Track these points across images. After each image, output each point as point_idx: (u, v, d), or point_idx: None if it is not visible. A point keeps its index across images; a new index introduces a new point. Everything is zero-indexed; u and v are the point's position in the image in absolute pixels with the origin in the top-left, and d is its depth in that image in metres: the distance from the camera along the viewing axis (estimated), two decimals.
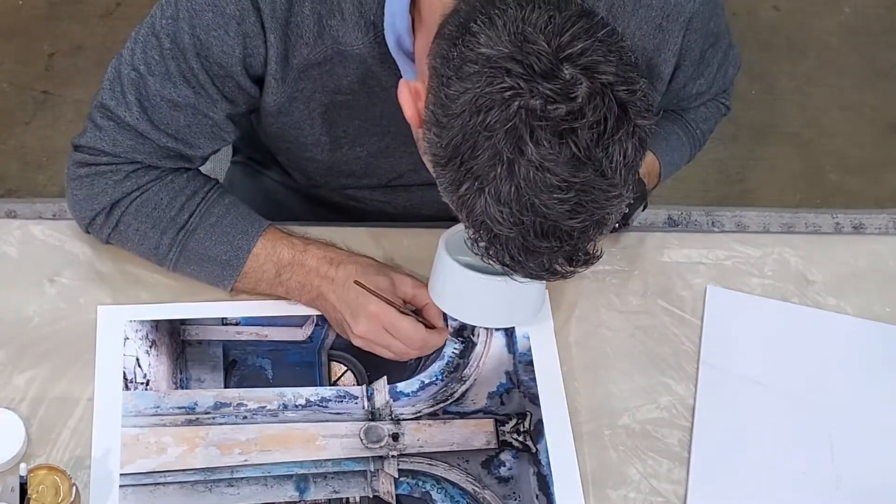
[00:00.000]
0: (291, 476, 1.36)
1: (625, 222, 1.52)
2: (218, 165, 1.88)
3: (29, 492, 1.25)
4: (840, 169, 2.76)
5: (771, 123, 2.76)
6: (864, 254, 1.58)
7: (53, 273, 1.47)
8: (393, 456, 1.38)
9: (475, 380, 1.44)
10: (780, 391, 1.45)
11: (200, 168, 1.47)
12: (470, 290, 1.34)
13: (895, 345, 1.49)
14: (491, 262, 1.15)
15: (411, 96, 1.19)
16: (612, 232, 1.52)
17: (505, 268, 1.15)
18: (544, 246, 1.10)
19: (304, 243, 1.43)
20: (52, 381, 1.39)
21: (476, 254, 1.16)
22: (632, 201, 1.47)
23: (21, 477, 1.25)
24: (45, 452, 1.34)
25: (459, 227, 1.38)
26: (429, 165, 1.17)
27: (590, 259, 1.15)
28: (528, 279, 1.17)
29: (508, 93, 1.06)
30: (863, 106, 2.85)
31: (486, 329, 1.47)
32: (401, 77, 1.30)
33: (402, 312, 1.39)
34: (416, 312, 1.42)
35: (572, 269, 1.15)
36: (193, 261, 1.42)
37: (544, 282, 1.37)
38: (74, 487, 1.26)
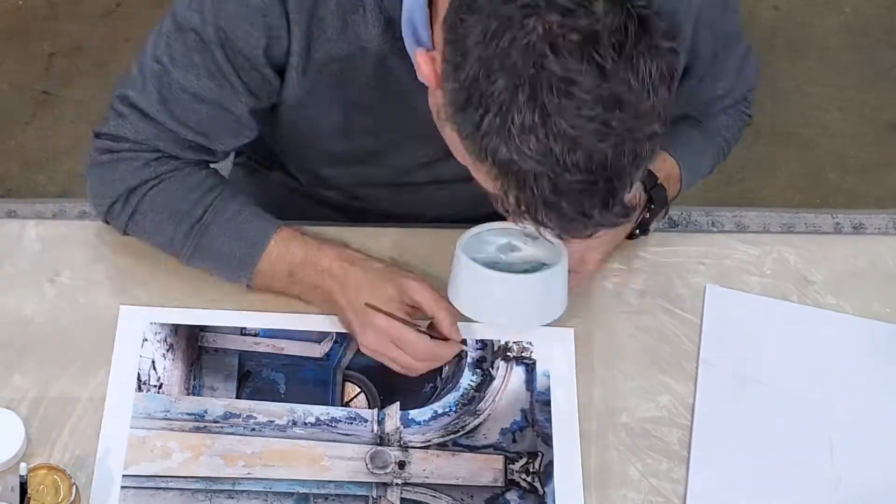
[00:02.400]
0: (293, 494, 1.35)
1: (644, 229, 1.50)
2: (221, 166, 1.88)
3: (29, 491, 1.25)
4: (840, 169, 2.76)
5: (771, 123, 2.76)
6: (863, 254, 1.58)
7: (53, 273, 1.47)
8: (397, 484, 1.36)
9: (489, 414, 1.42)
10: (779, 390, 1.45)
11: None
12: (488, 290, 1.33)
13: (894, 344, 1.49)
14: (523, 219, 1.10)
15: (429, 59, 1.16)
16: (631, 238, 1.52)
17: (537, 224, 1.10)
18: (577, 181, 1.05)
19: (317, 243, 1.43)
20: (51, 381, 1.39)
21: (504, 214, 1.12)
22: (652, 196, 1.45)
23: (21, 476, 1.25)
24: (45, 452, 1.34)
25: (475, 230, 1.38)
26: (448, 133, 1.14)
27: (627, 210, 1.10)
28: (563, 233, 1.12)
29: (523, 10, 1.03)
30: (863, 106, 2.85)
31: (507, 363, 1.45)
32: (417, 76, 1.30)
33: (411, 325, 1.37)
34: (431, 326, 1.41)
35: (611, 216, 1.09)
36: (208, 256, 1.42)
37: (565, 280, 1.36)
38: (74, 487, 1.26)
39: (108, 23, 2.79)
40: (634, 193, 1.11)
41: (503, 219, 1.29)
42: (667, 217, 1.53)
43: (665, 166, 1.51)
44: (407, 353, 1.38)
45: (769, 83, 2.83)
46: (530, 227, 1.22)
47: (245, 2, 1.29)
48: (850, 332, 1.50)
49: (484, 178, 1.13)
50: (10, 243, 1.49)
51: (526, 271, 1.36)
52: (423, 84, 1.29)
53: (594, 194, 1.07)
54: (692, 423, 1.42)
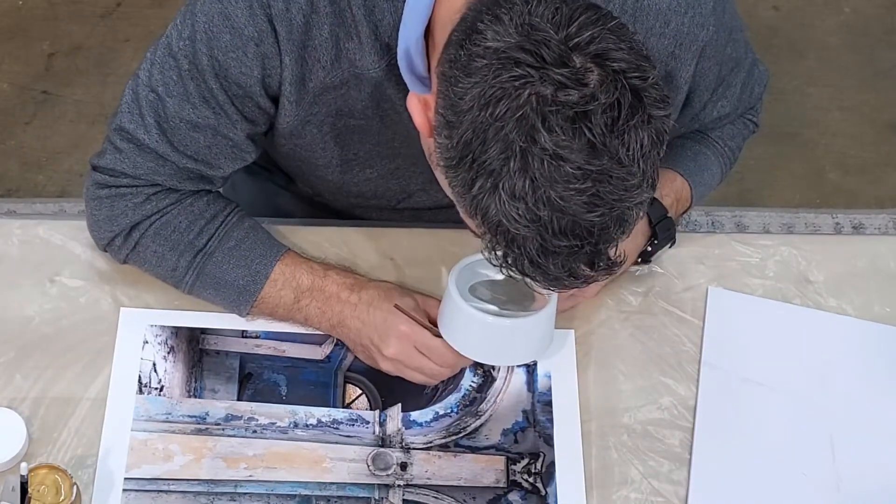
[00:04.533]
0: (295, 496, 1.35)
1: (647, 259, 1.50)
2: None
3: (30, 491, 1.25)
4: (840, 169, 2.76)
5: (771, 123, 2.75)
6: (863, 254, 1.58)
7: (54, 273, 1.47)
8: (399, 485, 1.36)
9: (491, 415, 1.41)
10: (781, 392, 1.45)
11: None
12: (475, 330, 1.33)
13: (895, 346, 1.49)
14: (510, 271, 1.12)
15: (421, 105, 1.18)
16: (634, 265, 1.51)
17: (525, 276, 1.12)
18: (563, 245, 1.08)
19: (323, 269, 1.42)
20: (53, 381, 1.39)
21: (494, 264, 1.13)
22: (653, 206, 1.44)
23: (22, 476, 1.25)
24: (46, 452, 1.34)
25: (467, 259, 1.37)
26: (440, 176, 1.15)
27: (613, 264, 1.12)
28: (549, 287, 1.14)
29: (518, 81, 1.05)
30: (863, 106, 2.85)
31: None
32: None
33: (433, 331, 1.37)
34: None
35: (594, 273, 1.11)
36: (210, 285, 1.41)
37: (552, 318, 1.35)
38: (75, 487, 1.26)
39: (108, 23, 2.79)
40: (622, 250, 1.12)
41: None
42: (673, 246, 1.52)
43: (675, 186, 1.50)
44: (432, 359, 1.37)
45: (769, 83, 2.84)
46: None
47: (238, 31, 1.28)
48: (851, 335, 1.50)
49: (473, 226, 1.14)
50: (11, 243, 1.49)
51: (513, 303, 1.36)
52: None
53: (580, 257, 1.09)
54: (693, 424, 1.42)
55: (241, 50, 1.29)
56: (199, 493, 1.34)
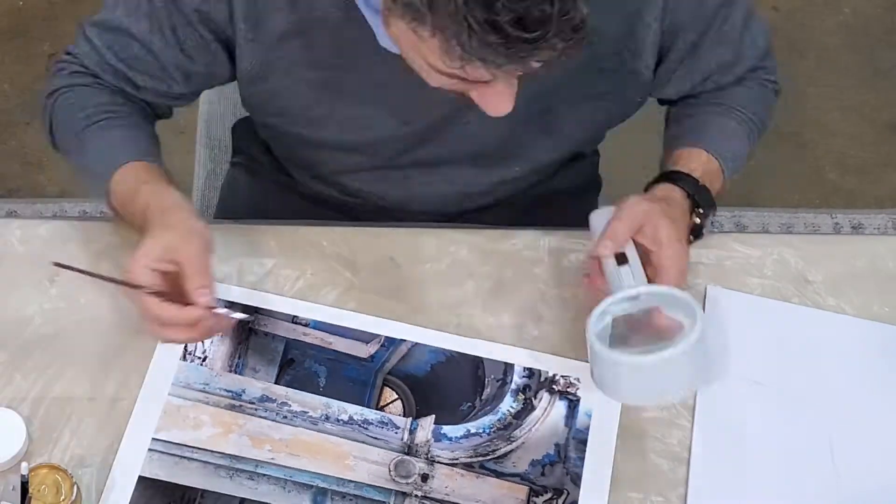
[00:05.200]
0: (311, 487, 1.35)
1: (699, 233, 1.48)
2: (218, 166, 1.88)
3: (30, 491, 1.25)
4: (840, 169, 2.76)
5: (770, 123, 2.76)
6: (863, 254, 1.58)
7: (54, 273, 1.47)
8: (416, 496, 1.35)
9: (523, 443, 1.39)
10: (780, 392, 1.45)
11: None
12: (625, 374, 1.29)
13: (894, 346, 1.49)
14: (472, 66, 1.10)
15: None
16: (689, 244, 1.46)
17: (486, 64, 1.09)
18: None
19: (152, 182, 1.39)
20: (53, 381, 1.39)
21: (445, 68, 1.13)
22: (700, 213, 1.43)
23: (22, 476, 1.25)
24: (47, 452, 1.34)
25: (600, 308, 1.32)
26: (392, 23, 1.16)
27: (575, 22, 1.07)
28: (512, 65, 1.10)
29: None
30: (863, 106, 2.85)
31: (550, 395, 1.41)
32: (376, 42, 1.29)
33: (109, 280, 1.36)
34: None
35: (555, 29, 1.06)
36: (84, 160, 1.45)
37: (700, 345, 1.28)
38: (76, 487, 1.26)
39: None
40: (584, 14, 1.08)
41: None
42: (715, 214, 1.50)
43: (700, 160, 1.49)
44: (140, 311, 1.31)
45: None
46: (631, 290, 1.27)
47: None
48: (850, 334, 1.50)
49: (428, 47, 1.13)
50: (11, 243, 1.49)
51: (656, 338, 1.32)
52: (386, 54, 1.28)
53: (531, 4, 1.05)
54: (693, 424, 1.42)
55: None
56: (219, 465, 1.35)
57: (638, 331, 1.34)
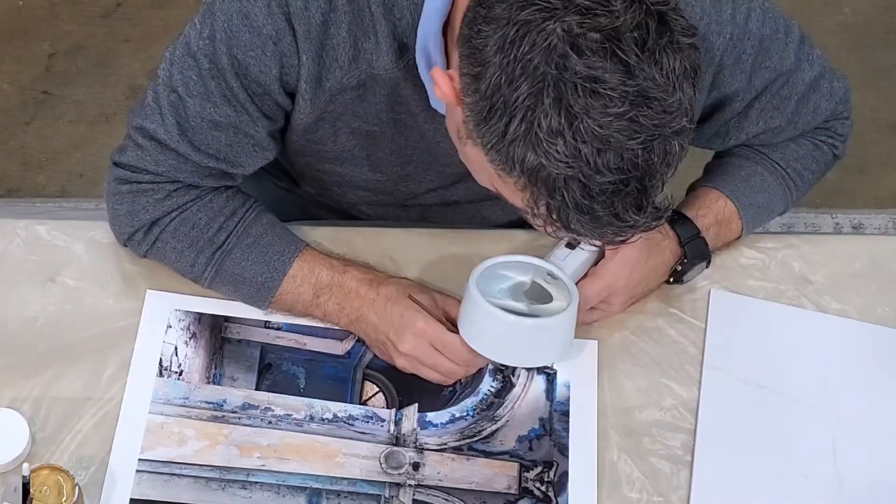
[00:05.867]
0: (305, 489, 1.35)
1: (680, 278, 1.48)
2: None
3: (32, 492, 1.25)
4: (839, 169, 2.75)
5: None
6: (863, 254, 1.58)
7: (55, 273, 1.47)
8: (410, 485, 1.36)
9: (507, 421, 1.41)
10: (783, 394, 1.45)
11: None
12: (494, 329, 1.32)
13: None
14: (554, 228, 1.09)
15: (447, 77, 1.15)
16: (667, 283, 1.49)
17: (571, 231, 1.09)
18: (608, 182, 1.04)
19: (343, 265, 1.42)
20: (55, 382, 1.39)
21: (538, 226, 1.11)
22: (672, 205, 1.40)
23: (24, 477, 1.25)
24: (49, 452, 1.34)
25: (490, 261, 1.36)
26: (470, 150, 1.14)
27: (660, 213, 1.09)
28: (596, 238, 1.10)
29: (541, 14, 1.03)
30: (863, 106, 2.84)
31: (528, 371, 1.44)
32: (429, 104, 1.29)
33: (449, 328, 1.36)
34: None
35: (641, 218, 1.08)
36: (229, 281, 1.42)
37: (573, 321, 1.34)
38: (77, 488, 1.26)
39: (108, 23, 2.78)
40: (666, 195, 1.10)
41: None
42: (708, 267, 1.50)
43: (715, 207, 1.48)
44: (447, 356, 1.36)
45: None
46: (546, 263, 1.28)
47: (257, 30, 1.28)
48: (852, 337, 1.50)
49: (511, 190, 1.12)
50: (12, 243, 1.49)
51: (534, 306, 1.36)
52: (435, 112, 1.28)
53: (626, 195, 1.06)
54: (696, 427, 1.42)
55: (261, 49, 1.29)
56: (210, 479, 1.34)
57: (540, 306, 1.37)
